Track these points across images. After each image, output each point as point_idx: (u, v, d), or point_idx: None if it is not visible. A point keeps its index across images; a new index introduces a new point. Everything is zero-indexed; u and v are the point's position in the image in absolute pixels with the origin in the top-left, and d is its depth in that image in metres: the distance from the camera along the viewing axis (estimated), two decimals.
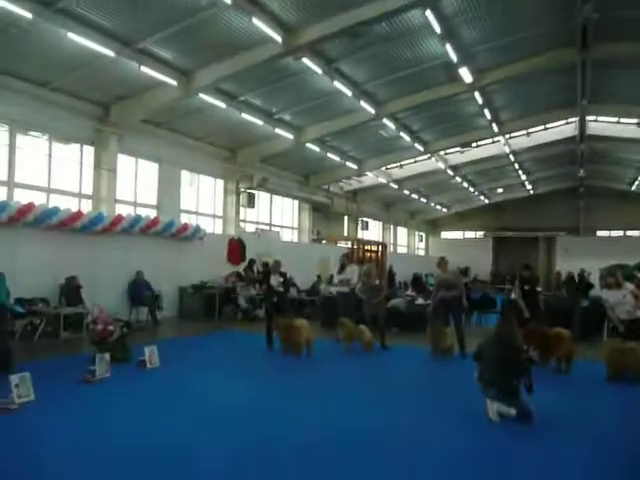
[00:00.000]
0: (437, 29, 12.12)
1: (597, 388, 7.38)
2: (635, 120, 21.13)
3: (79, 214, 11.78)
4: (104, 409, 5.89)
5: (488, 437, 5.25)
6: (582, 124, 21.85)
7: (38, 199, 11.91)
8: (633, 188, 30.71)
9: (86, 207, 13.32)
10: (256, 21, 10.73)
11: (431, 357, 9.25)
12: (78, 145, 13.50)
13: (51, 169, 12.86)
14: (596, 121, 22.07)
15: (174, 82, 12.62)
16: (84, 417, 5.60)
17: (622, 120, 21.49)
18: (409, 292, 15.48)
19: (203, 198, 17.82)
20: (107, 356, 7.36)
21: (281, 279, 10.01)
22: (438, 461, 4.54)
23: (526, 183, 31.44)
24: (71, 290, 11.22)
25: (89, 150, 13.66)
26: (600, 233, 34.44)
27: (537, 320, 9.03)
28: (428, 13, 11.44)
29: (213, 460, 4.44)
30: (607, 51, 14.97)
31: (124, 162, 14.43)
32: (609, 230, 34.14)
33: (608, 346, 7.96)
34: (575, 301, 12.61)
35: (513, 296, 10.24)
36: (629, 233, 33.70)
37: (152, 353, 8.02)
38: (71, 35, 10.12)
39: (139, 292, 12.80)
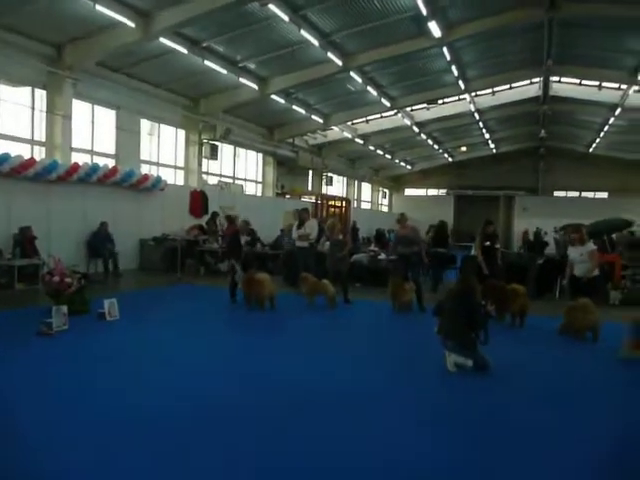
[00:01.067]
0: None
1: (548, 341, 7.70)
2: (596, 82, 21.47)
3: (32, 161, 11.25)
4: (61, 362, 5.78)
5: (446, 387, 5.44)
6: (546, 84, 22.07)
7: None
8: (590, 150, 31.51)
9: (39, 155, 12.71)
10: None
11: (392, 311, 9.44)
12: (29, 89, 12.74)
13: (0, 114, 12.14)
14: (559, 82, 22.31)
15: (132, 23, 11.93)
16: (40, 370, 5.49)
17: (584, 82, 21.81)
18: (372, 247, 15.62)
19: (164, 148, 17.27)
20: (64, 308, 7.18)
21: (249, 238, 9.97)
22: (400, 411, 4.66)
23: (489, 142, 31.82)
24: (25, 241, 10.82)
25: (41, 94, 12.92)
26: (557, 193, 35.43)
27: (495, 276, 9.29)
28: None
29: (172, 417, 4.40)
30: (574, 11, 14.98)
31: (80, 108, 13.74)
32: (566, 191, 35.14)
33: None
34: (531, 258, 13.00)
35: (473, 252, 10.45)
36: (584, 194, 34.79)
37: (112, 305, 7.88)
38: None
39: (100, 244, 12.47)
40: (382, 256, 13.29)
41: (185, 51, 13.91)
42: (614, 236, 15.21)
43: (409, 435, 4.15)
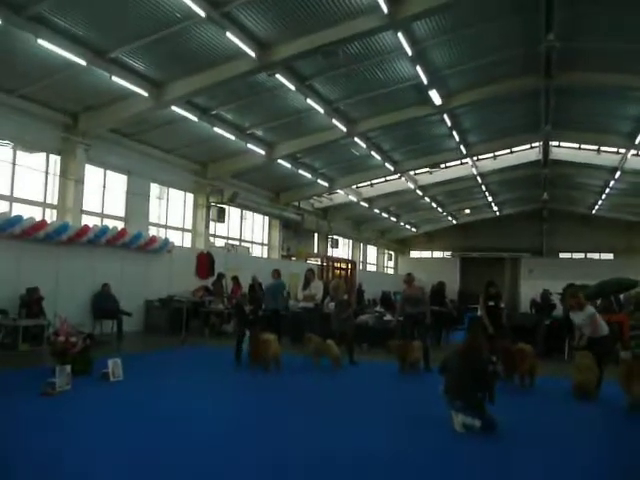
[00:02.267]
0: (408, 51, 12.42)
1: (558, 402, 7.54)
2: (595, 147, 22.03)
3: (43, 223, 11.52)
4: (63, 423, 5.70)
5: (454, 448, 5.29)
6: (546, 149, 22.62)
7: (1, 208, 11.59)
8: (593, 212, 31.80)
9: (51, 217, 13.01)
10: (230, 35, 10.79)
11: (399, 372, 9.30)
12: (44, 154, 13.21)
13: (14, 177, 12.52)
14: (559, 147, 22.90)
15: (145, 93, 12.52)
16: (41, 430, 5.41)
17: (583, 147, 22.38)
18: (378, 309, 15.57)
19: (172, 211, 17.62)
20: (68, 368, 7.14)
21: (251, 307, 10.14)
22: (408, 473, 4.54)
23: (492, 204, 32.20)
24: (32, 301, 10.89)
25: (55, 159, 13.38)
26: (562, 255, 35.44)
27: (500, 336, 9.20)
28: (400, 35, 11.71)
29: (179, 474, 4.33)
30: (569, 79, 15.60)
31: (92, 173, 14.18)
32: (571, 252, 35.17)
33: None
34: (539, 319, 12.91)
35: (478, 313, 10.42)
36: (590, 255, 34.78)
37: (116, 365, 7.82)
38: (41, 42, 9.94)
39: (104, 305, 12.51)
40: (387, 317, 13.23)
41: (195, 119, 14.48)
42: (621, 296, 15.13)
43: None
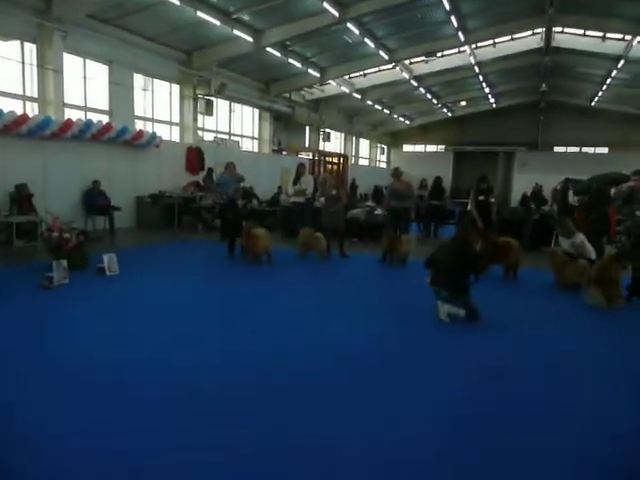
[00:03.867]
0: None
1: (540, 293, 7.86)
2: (600, 33, 20.96)
3: (25, 117, 11.12)
4: (64, 314, 5.91)
5: (439, 335, 5.58)
6: (548, 35, 21.51)
7: None
8: (592, 104, 31.04)
9: (32, 111, 12.53)
10: None
11: (386, 264, 9.58)
12: (18, 42, 12.41)
13: None
14: (562, 33, 21.76)
15: None
16: (43, 321, 5.62)
17: (587, 33, 21.28)
18: (369, 203, 15.64)
19: (158, 104, 16.99)
20: (64, 263, 7.28)
21: (244, 201, 10.09)
22: (397, 360, 4.80)
23: (489, 96, 31.29)
24: (22, 198, 10.82)
25: (31, 48, 12.61)
26: (557, 148, 35.12)
27: (489, 230, 9.37)
28: None
29: (179, 366, 4.57)
30: None
31: (71, 62, 13.44)
32: (566, 146, 34.82)
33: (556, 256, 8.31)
34: (527, 214, 13.07)
35: (469, 207, 10.52)
36: (585, 149, 34.50)
37: (111, 260, 7.98)
38: None
39: (95, 201, 12.48)
40: (378, 211, 13.35)
41: (177, 1, 13.49)
42: (612, 190, 15.20)
43: (405, 385, 4.30)
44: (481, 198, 9.96)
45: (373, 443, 3.24)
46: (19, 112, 11.34)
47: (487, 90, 29.68)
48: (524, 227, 12.10)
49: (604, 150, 33.93)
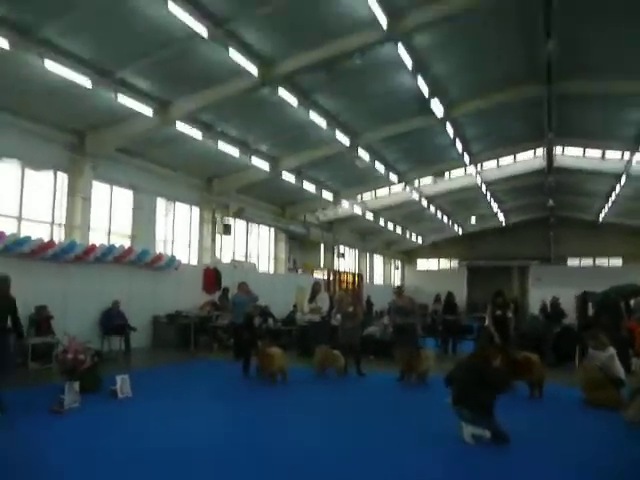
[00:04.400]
0: (408, 63, 12.53)
1: (567, 411, 7.48)
2: (599, 154, 22.01)
3: (51, 243, 11.63)
4: (70, 441, 5.72)
5: (465, 460, 5.26)
6: (550, 156, 22.63)
7: (9, 227, 11.71)
8: (600, 219, 31.65)
9: (59, 235, 13.12)
10: (233, 52, 10.95)
11: (404, 382, 9.28)
12: (51, 172, 13.35)
13: (23, 197, 12.65)
14: (563, 155, 22.90)
15: (150, 112, 12.69)
16: (48, 449, 5.43)
17: (587, 154, 22.34)
18: (384, 321, 15.52)
19: (179, 226, 17.72)
20: (76, 385, 7.17)
21: (261, 319, 10.15)
22: None
23: (498, 213, 32.17)
24: (41, 320, 10.97)
25: (63, 177, 13.51)
26: (571, 262, 35.25)
27: (508, 345, 9.15)
28: (400, 47, 11.83)
29: None
30: (570, 87, 15.65)
31: (99, 189, 14.31)
32: (579, 258, 34.98)
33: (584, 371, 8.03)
34: (547, 328, 12.84)
35: (486, 323, 10.40)
36: (598, 261, 34.58)
37: (124, 382, 7.85)
38: (48, 64, 10.14)
39: (112, 322, 12.57)
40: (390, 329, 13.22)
41: (200, 136, 14.62)
42: (631, 302, 15.00)
43: None
44: (498, 313, 9.87)
45: None
46: (46, 236, 11.87)
47: (496, 207, 30.59)
48: (545, 342, 11.82)
49: (618, 261, 33.98)
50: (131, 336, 12.67)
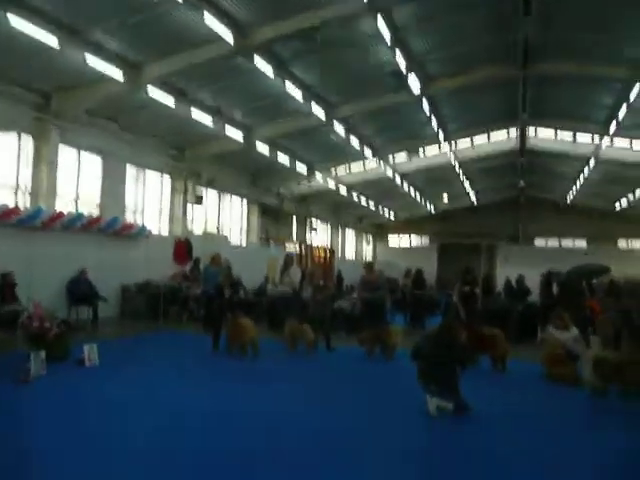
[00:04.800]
0: (387, 36, 12.41)
1: (528, 385, 7.74)
2: (570, 137, 22.37)
3: (16, 210, 11.28)
4: (38, 409, 5.67)
5: (429, 430, 5.42)
6: (522, 137, 22.91)
7: None
8: (568, 200, 32.37)
9: (24, 201, 12.74)
10: (208, 17, 10.65)
11: (369, 356, 9.44)
12: (15, 134, 12.87)
13: None
14: (535, 137, 23.21)
15: (120, 75, 12.29)
16: (13, 418, 5.37)
17: (559, 137, 22.70)
18: (354, 295, 15.67)
19: (149, 195, 17.40)
20: (43, 354, 7.07)
21: (231, 291, 10.13)
22: (386, 456, 4.63)
23: (470, 193, 32.56)
24: (5, 286, 10.69)
25: (28, 140, 13.05)
26: (538, 242, 36.09)
27: (474, 320, 9.37)
28: (379, 19, 11.68)
29: (144, 463, 4.35)
30: (544, 70, 15.79)
31: (66, 155, 13.89)
32: (545, 238, 35.83)
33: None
34: (512, 305, 13.17)
35: (454, 298, 10.60)
36: (564, 242, 35.49)
37: (91, 350, 7.78)
38: (13, 20, 9.67)
39: (80, 291, 12.35)
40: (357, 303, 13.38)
41: (172, 102, 14.27)
42: (594, 282, 15.49)
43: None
44: (466, 289, 10.08)
45: None
46: (10, 202, 11.51)
47: (468, 187, 30.94)
48: (509, 318, 12.13)
49: (582, 242, 34.94)
50: (99, 305, 12.50)
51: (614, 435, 5.48)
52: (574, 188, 29.56)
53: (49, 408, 5.72)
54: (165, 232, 17.52)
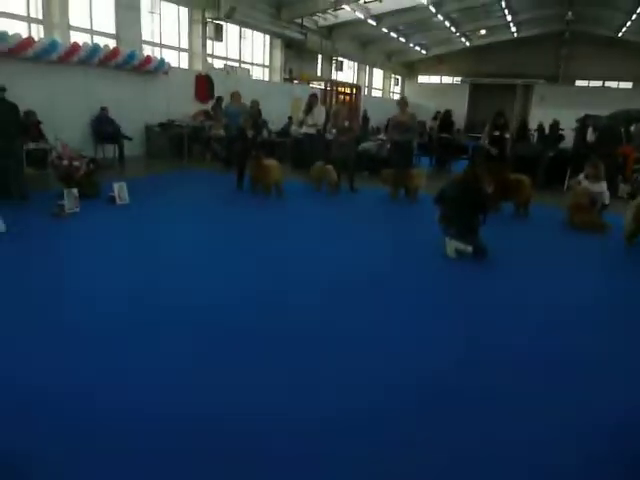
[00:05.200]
0: None
1: (550, 231, 7.84)
2: None
3: (30, 41, 10.81)
4: (78, 241, 6.02)
5: (445, 272, 5.64)
6: None
7: None
8: (620, 35, 29.57)
9: (37, 33, 12.16)
10: None
11: (393, 199, 9.53)
12: None
13: None
14: None
15: None
16: (58, 249, 5.73)
17: None
18: (381, 136, 15.36)
19: (166, 29, 16.39)
20: (75, 191, 7.32)
21: (253, 132, 9.94)
22: (404, 293, 4.88)
23: (511, 24, 29.86)
24: (31, 125, 10.69)
25: None
26: (579, 82, 33.83)
27: (503, 165, 9.20)
28: None
29: (183, 293, 4.68)
30: None
31: None
32: (588, 80, 33.50)
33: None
34: (543, 150, 12.79)
35: (481, 142, 10.31)
36: (607, 84, 33.20)
37: (121, 189, 8.00)
38: None
39: (105, 129, 12.34)
40: (388, 145, 13.14)
41: None
42: (632, 128, 14.78)
43: (413, 318, 4.39)
44: (496, 133, 9.73)
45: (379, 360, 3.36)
46: (24, 35, 11.01)
47: (509, 18, 28.29)
48: (539, 164, 11.88)
49: (628, 85, 32.65)
50: (125, 145, 12.56)
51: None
52: (628, 23, 26.77)
53: (88, 239, 6.10)
54: (185, 67, 16.83)
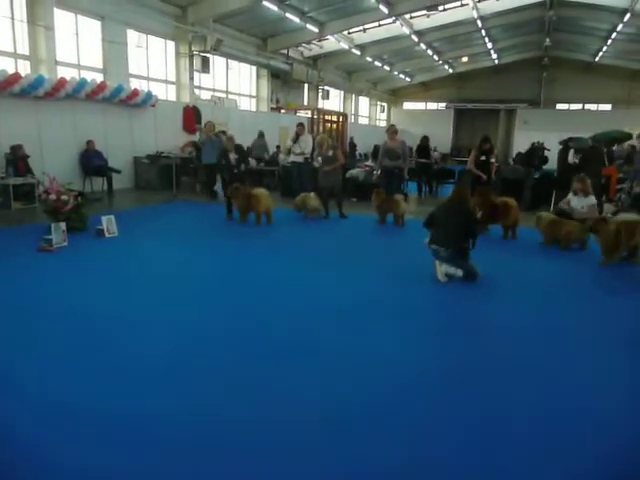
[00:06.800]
0: None
1: (539, 253, 7.90)
2: None
3: (17, 76, 10.89)
4: (65, 276, 5.95)
5: (436, 295, 5.64)
6: None
7: None
8: (596, 59, 30.40)
9: (24, 69, 12.25)
10: None
11: (380, 225, 9.59)
12: None
13: None
14: None
15: None
16: (45, 284, 5.66)
17: None
18: (368, 163, 15.53)
19: (153, 62, 16.61)
20: (63, 225, 7.28)
21: (237, 156, 9.82)
22: (392, 318, 4.86)
23: (492, 52, 30.61)
24: (18, 159, 10.72)
25: (20, 3, 12.20)
26: (560, 106, 34.58)
27: (489, 189, 9.30)
28: None
29: (172, 324, 4.64)
30: None
31: (62, 19, 13.05)
32: (569, 103, 34.25)
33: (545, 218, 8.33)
34: (526, 173, 12.98)
35: (468, 166, 10.44)
36: (587, 106, 33.95)
37: (110, 222, 7.97)
38: None
39: (92, 162, 12.37)
40: (378, 171, 13.26)
41: None
42: (614, 148, 15.06)
43: (406, 341, 4.36)
44: (483, 158, 9.89)
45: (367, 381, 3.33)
46: (10, 70, 11.09)
47: (489, 45, 29.03)
48: (524, 187, 12.03)
49: (607, 107, 33.43)
50: (113, 177, 12.58)
51: (623, 299, 5.69)
52: (604, 46, 27.54)
53: (78, 274, 6.02)
54: (173, 99, 17.00)
